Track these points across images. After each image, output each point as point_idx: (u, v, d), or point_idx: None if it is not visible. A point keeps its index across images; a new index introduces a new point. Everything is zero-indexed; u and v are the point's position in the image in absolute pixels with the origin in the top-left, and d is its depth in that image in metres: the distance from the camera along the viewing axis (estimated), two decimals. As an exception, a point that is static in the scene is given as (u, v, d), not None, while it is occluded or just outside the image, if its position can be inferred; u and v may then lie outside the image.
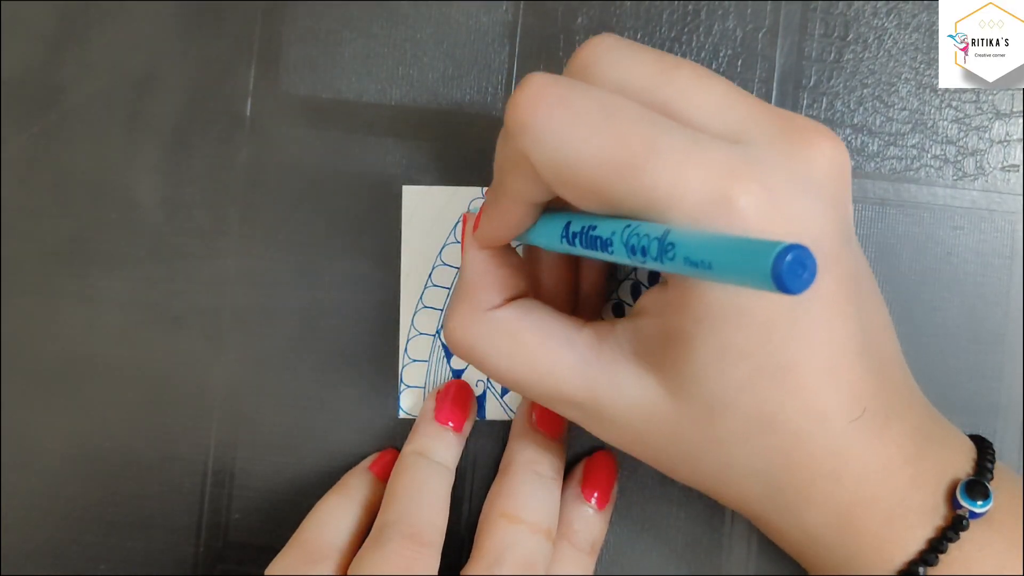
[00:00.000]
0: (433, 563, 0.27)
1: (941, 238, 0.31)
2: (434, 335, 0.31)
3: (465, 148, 0.31)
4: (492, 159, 0.31)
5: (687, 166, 0.21)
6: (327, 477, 0.31)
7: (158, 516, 0.31)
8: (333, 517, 0.29)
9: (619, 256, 0.21)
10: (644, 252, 0.20)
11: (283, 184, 0.31)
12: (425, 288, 0.31)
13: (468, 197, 0.30)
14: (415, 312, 0.31)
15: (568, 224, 0.23)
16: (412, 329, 0.31)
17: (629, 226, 0.21)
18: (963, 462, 0.25)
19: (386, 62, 0.31)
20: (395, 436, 0.31)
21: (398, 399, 0.31)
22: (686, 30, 0.31)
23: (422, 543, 0.27)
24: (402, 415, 0.31)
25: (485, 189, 0.30)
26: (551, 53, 0.31)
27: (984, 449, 0.25)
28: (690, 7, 0.31)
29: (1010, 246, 0.31)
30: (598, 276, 0.29)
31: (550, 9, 0.31)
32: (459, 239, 0.31)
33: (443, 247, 0.31)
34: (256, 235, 0.31)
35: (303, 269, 0.31)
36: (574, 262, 0.29)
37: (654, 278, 0.30)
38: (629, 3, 0.31)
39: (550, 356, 0.24)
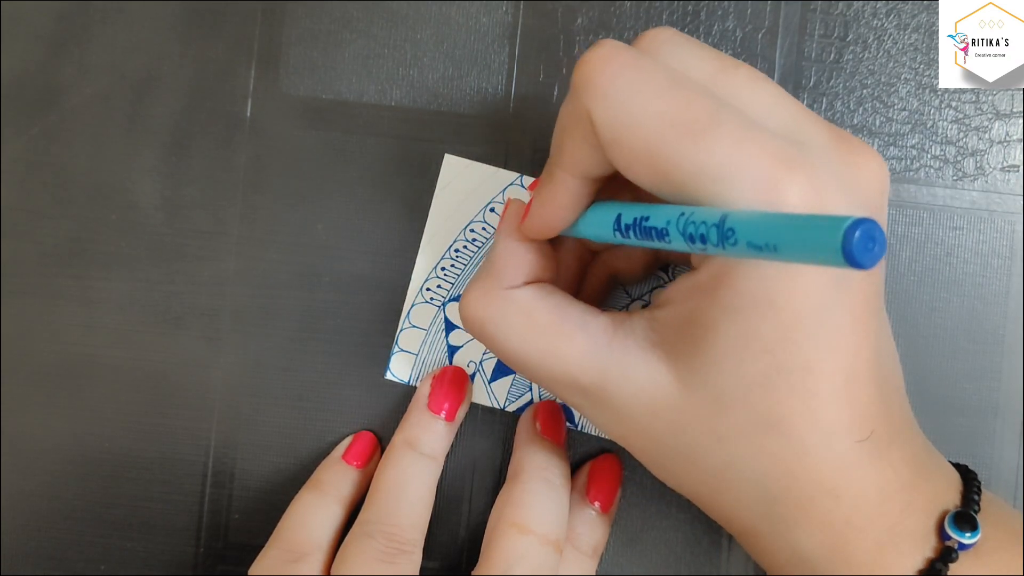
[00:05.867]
0: (414, 562, 0.27)
1: (940, 238, 0.31)
2: (439, 307, 0.31)
3: (466, 149, 0.31)
4: (493, 160, 0.31)
5: (745, 142, 0.21)
6: (327, 478, 0.31)
7: (158, 517, 0.31)
8: (311, 514, 0.29)
9: (677, 245, 0.21)
10: (704, 239, 0.19)
11: (283, 185, 0.31)
12: (442, 258, 0.31)
13: (506, 180, 0.30)
14: (426, 279, 0.31)
15: (619, 216, 0.23)
16: (420, 295, 0.31)
17: (684, 214, 0.20)
18: (952, 493, 0.24)
19: (386, 63, 0.31)
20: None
21: (388, 360, 0.31)
22: (686, 30, 0.31)
23: (404, 541, 0.27)
24: (388, 376, 0.31)
25: (524, 177, 0.30)
26: (551, 54, 0.31)
27: (970, 480, 0.25)
28: (690, 8, 0.31)
29: (1009, 246, 0.31)
30: (604, 279, 0.29)
31: (550, 10, 0.31)
32: (486, 220, 0.31)
33: (470, 223, 0.31)
34: (255, 236, 0.31)
35: (302, 270, 0.31)
36: (587, 259, 0.29)
37: None
38: (629, 3, 0.31)
39: (562, 337, 0.24)
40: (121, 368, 0.31)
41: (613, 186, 0.25)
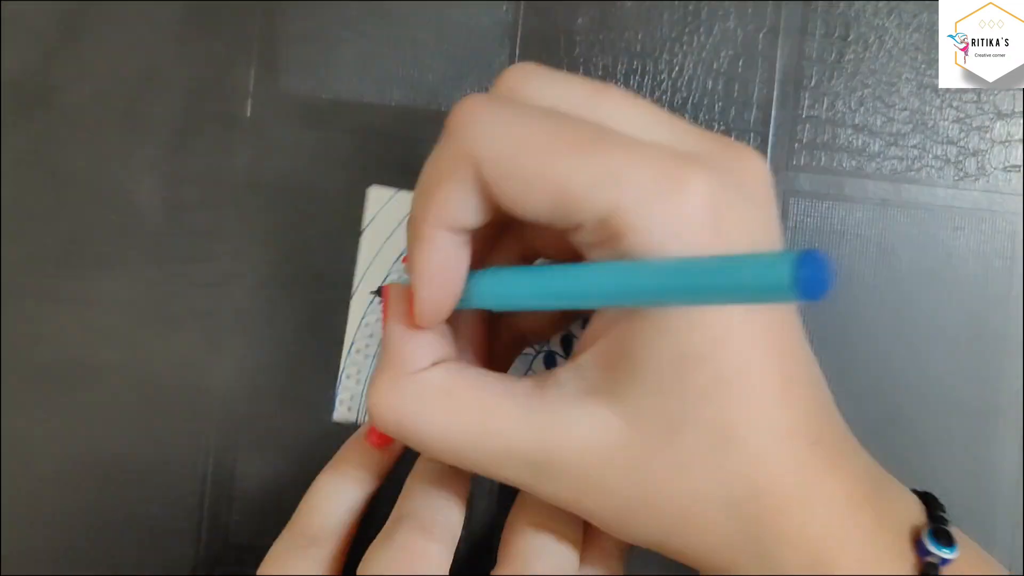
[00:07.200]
0: (445, 561, 0.26)
1: (942, 239, 0.31)
2: (372, 356, 0.30)
3: (465, 149, 0.31)
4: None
5: (637, 149, 0.21)
6: (327, 479, 0.30)
7: (157, 519, 0.31)
8: (326, 499, 0.28)
9: (605, 302, 0.21)
10: (637, 296, 0.19)
11: (282, 185, 0.31)
12: (371, 303, 0.30)
13: None
14: (358, 328, 0.30)
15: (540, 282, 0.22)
16: (353, 345, 0.30)
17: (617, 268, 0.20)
18: (916, 510, 0.24)
19: (386, 63, 0.31)
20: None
21: (333, 402, 0.31)
22: (687, 30, 0.31)
23: (434, 539, 0.26)
24: (336, 418, 0.31)
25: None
26: (551, 54, 0.31)
27: (932, 501, 0.24)
28: (691, 7, 0.31)
29: (1011, 247, 0.31)
30: (510, 342, 0.29)
31: (550, 9, 0.31)
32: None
33: (401, 255, 0.30)
34: (255, 236, 0.31)
35: (302, 270, 0.31)
36: (489, 324, 0.28)
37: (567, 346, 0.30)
38: (629, 3, 0.31)
39: (491, 411, 0.23)
40: (120, 369, 0.31)
41: (485, 247, 0.24)
